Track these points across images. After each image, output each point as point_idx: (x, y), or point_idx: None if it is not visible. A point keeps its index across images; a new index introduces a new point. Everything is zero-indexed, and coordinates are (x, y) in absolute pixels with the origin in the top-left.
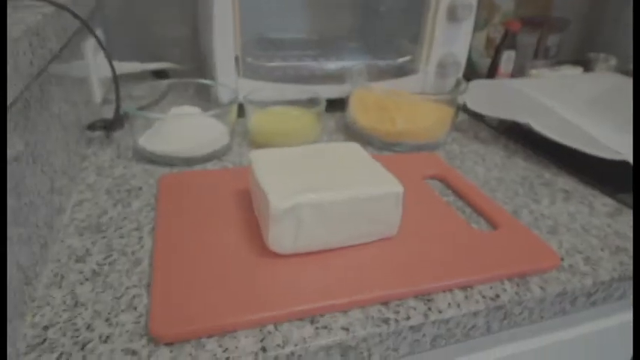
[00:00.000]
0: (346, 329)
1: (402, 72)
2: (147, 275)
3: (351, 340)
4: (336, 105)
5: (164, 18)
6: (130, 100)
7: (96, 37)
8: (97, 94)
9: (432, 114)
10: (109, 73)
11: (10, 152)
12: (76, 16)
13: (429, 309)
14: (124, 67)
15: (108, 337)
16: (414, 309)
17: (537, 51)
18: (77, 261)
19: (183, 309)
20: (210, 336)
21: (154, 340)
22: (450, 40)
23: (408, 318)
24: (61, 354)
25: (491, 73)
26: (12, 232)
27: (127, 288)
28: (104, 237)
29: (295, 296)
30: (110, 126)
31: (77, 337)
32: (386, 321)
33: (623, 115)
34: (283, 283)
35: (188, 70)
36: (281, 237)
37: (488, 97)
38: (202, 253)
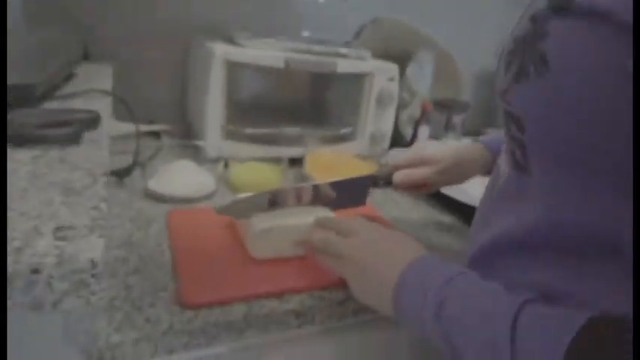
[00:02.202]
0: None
1: (344, 139)
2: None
3: None
4: (296, 162)
5: (154, 87)
6: (127, 155)
7: (130, 112)
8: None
9: (365, 171)
10: (116, 133)
11: None
12: (122, 101)
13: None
14: (124, 127)
15: None
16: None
17: (447, 126)
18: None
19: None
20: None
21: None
22: (379, 118)
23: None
24: None
25: (412, 141)
26: None
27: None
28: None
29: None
30: (126, 172)
31: None
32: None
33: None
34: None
35: (175, 130)
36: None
37: None
38: (209, 257)
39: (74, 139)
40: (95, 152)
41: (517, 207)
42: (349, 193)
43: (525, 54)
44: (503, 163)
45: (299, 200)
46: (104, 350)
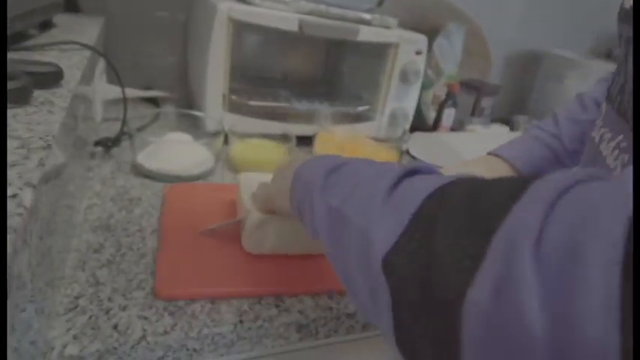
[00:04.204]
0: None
1: (360, 118)
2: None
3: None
4: (304, 141)
5: (154, 48)
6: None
7: (115, 72)
8: (99, 114)
9: (381, 157)
10: (106, 97)
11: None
12: (103, 56)
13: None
14: (115, 91)
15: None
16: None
17: (474, 110)
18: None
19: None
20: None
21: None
22: (401, 96)
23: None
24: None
25: (435, 125)
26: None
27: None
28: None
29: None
30: (113, 143)
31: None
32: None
33: None
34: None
35: (174, 98)
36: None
37: (426, 147)
38: (198, 246)
39: (18, 98)
40: (43, 117)
41: None
42: None
43: None
44: None
45: None
46: None
